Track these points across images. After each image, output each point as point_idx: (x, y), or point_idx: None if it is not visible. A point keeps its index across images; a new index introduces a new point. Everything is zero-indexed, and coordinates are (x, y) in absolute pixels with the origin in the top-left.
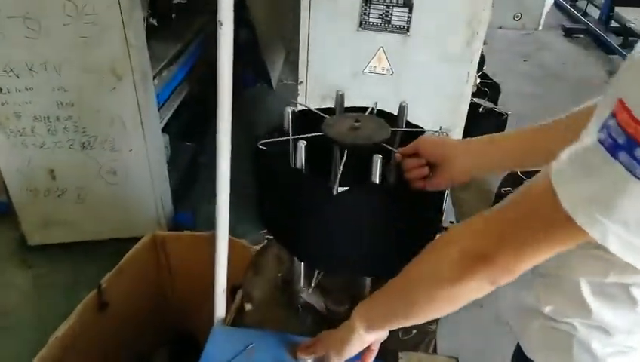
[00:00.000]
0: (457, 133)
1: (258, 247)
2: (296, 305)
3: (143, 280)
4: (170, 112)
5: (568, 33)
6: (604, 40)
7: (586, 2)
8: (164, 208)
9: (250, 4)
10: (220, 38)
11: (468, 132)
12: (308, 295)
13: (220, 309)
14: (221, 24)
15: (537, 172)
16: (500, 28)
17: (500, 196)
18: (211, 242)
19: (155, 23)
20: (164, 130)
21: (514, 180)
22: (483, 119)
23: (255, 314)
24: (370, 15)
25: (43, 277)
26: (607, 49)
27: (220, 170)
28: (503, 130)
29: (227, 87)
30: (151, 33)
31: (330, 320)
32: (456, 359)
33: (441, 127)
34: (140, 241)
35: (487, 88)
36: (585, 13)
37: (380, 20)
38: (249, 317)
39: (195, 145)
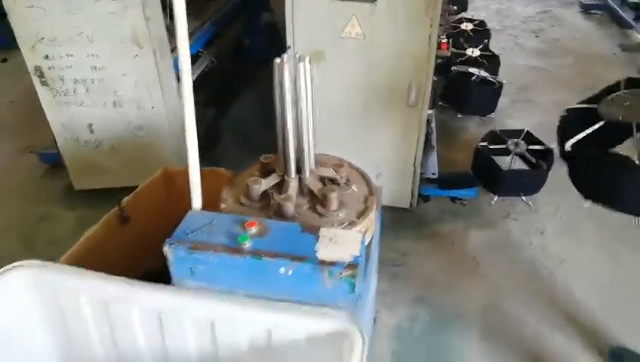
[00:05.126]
0: (428, 89)
1: None
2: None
3: (157, 205)
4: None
5: (586, 9)
6: (618, 14)
7: None
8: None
9: None
10: None
11: (462, 98)
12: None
13: (196, 201)
14: None
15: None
16: None
17: (477, 150)
18: (209, 176)
19: None
20: None
21: (492, 137)
22: (476, 87)
23: (226, 211)
24: None
25: (85, 216)
26: (622, 24)
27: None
28: (497, 97)
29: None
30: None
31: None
32: (364, 233)
33: None
34: (154, 174)
35: (486, 60)
36: None
37: None
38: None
39: (215, 110)
